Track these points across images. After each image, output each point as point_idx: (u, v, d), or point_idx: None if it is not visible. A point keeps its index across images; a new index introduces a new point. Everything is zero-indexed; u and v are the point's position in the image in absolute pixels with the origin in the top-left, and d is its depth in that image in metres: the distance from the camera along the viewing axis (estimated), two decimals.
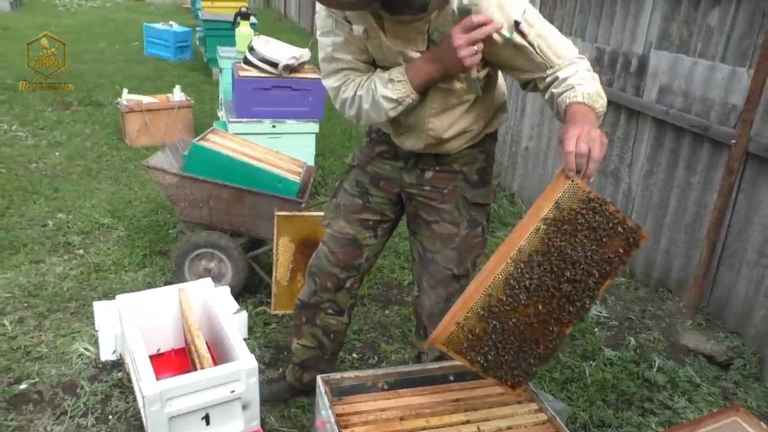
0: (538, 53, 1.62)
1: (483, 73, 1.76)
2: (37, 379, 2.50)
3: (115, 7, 14.62)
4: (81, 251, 3.63)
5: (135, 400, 2.39)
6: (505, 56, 1.66)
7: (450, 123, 1.83)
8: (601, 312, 3.31)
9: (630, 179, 3.64)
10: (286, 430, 2.34)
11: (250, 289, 3.25)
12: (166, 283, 3.20)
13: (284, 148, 3.71)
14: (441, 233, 1.99)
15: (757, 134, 2.84)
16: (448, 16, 1.60)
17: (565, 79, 1.60)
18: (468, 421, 1.68)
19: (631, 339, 3.09)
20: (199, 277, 3.04)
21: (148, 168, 3.07)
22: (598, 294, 1.56)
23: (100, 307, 2.81)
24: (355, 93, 1.78)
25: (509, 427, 1.68)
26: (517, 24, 1.57)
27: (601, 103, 1.58)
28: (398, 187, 2.04)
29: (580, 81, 1.58)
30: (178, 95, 5.67)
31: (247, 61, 4.28)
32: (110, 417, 2.34)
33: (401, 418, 1.67)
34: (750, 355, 2.93)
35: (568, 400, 2.61)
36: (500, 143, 5.07)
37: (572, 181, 1.45)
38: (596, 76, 1.64)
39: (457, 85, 1.74)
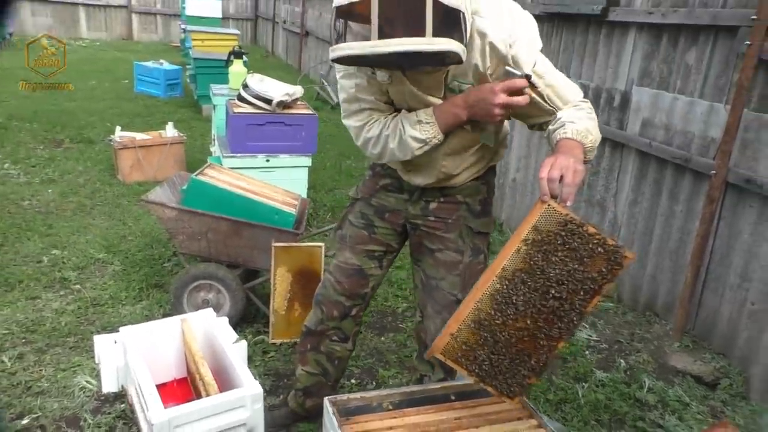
0: (547, 102, 1.73)
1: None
2: (40, 414, 2.51)
3: (104, 46, 14.76)
4: (77, 286, 3.65)
5: (139, 430, 2.42)
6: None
7: (462, 162, 1.95)
8: (591, 336, 3.40)
9: (616, 208, 3.77)
10: None
11: (247, 319, 3.30)
12: (164, 316, 3.24)
13: (278, 182, 3.80)
14: (445, 261, 2.07)
15: (736, 165, 2.99)
16: (468, 67, 1.70)
17: (561, 119, 1.71)
18: None
19: (621, 361, 3.17)
20: (198, 308, 3.09)
21: (147, 203, 3.14)
22: (586, 311, 1.64)
23: (100, 341, 2.84)
24: (381, 132, 1.86)
25: None
26: (528, 77, 1.65)
27: (590, 139, 1.66)
28: (403, 218, 2.13)
29: (574, 119, 1.68)
30: (170, 131, 5.76)
31: (241, 98, 4.40)
32: None
33: None
34: (736, 374, 3.02)
35: (563, 421, 2.67)
36: None
37: (548, 205, 1.55)
38: (594, 117, 1.74)
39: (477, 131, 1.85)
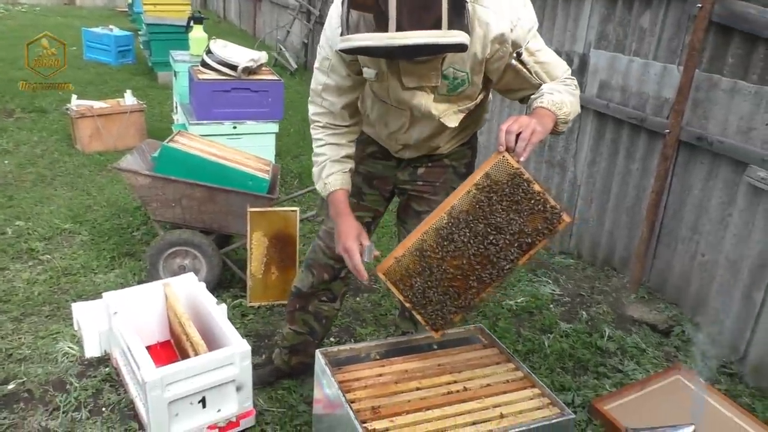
0: (533, 77, 1.78)
1: (480, 97, 1.94)
2: (25, 379, 2.53)
3: (45, 12, 14.12)
4: (46, 257, 3.62)
5: (126, 392, 2.47)
6: (507, 80, 1.83)
7: (449, 138, 2.05)
8: (555, 290, 3.59)
9: (575, 168, 3.94)
10: (275, 410, 2.47)
11: (223, 284, 3.35)
12: (139, 283, 3.26)
13: (245, 149, 3.80)
14: None
15: (688, 124, 3.17)
16: (467, 56, 1.73)
17: (542, 90, 1.76)
18: (455, 381, 1.87)
19: (583, 313, 3.37)
20: (174, 274, 3.12)
21: (119, 170, 3.13)
22: (519, 263, 1.75)
23: (79, 308, 2.85)
24: (316, 145, 2.03)
25: (490, 384, 1.88)
26: (518, 54, 1.72)
27: (564, 111, 1.70)
28: (391, 184, 2.21)
29: (553, 91, 1.73)
30: (129, 99, 5.65)
31: (204, 64, 4.35)
32: (103, 409, 2.41)
33: (396, 382, 1.84)
34: (687, 322, 3.25)
35: (531, 369, 2.84)
36: None
37: (503, 156, 1.66)
38: (576, 93, 1.80)
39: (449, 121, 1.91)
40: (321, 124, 2.00)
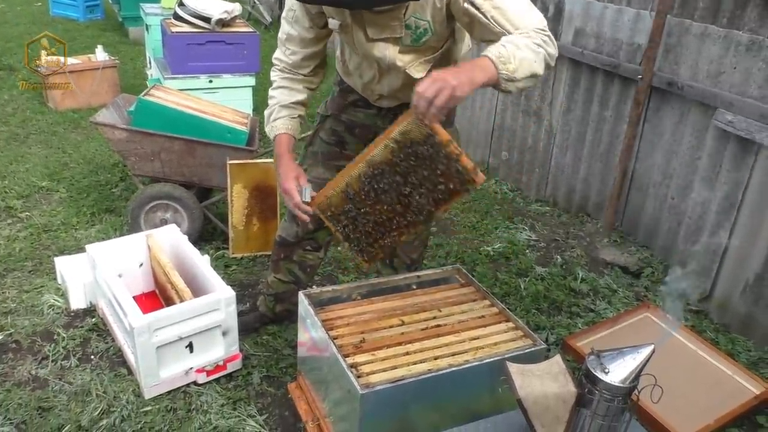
0: (493, 23, 1.64)
1: (445, 47, 1.93)
2: (12, 330, 2.57)
3: None
4: (25, 214, 3.61)
5: (114, 340, 2.53)
6: (475, 30, 1.73)
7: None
8: (530, 236, 3.68)
9: (551, 117, 3.99)
10: (261, 354, 2.55)
11: (204, 237, 3.38)
12: (121, 236, 3.27)
13: (222, 103, 3.79)
14: None
15: (660, 69, 3.22)
16: (426, 3, 1.71)
17: (501, 40, 1.62)
18: (434, 317, 1.96)
19: (558, 257, 3.48)
20: (155, 228, 3.14)
21: (96, 124, 3.11)
22: (436, 214, 1.78)
23: (62, 262, 2.88)
24: (272, 83, 2.09)
25: (466, 320, 1.97)
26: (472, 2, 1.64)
27: (509, 67, 1.55)
28: (373, 132, 2.20)
29: (507, 43, 1.58)
30: (101, 55, 5.53)
31: (177, 17, 4.28)
32: (92, 357, 2.47)
33: (377, 319, 1.92)
34: (657, 263, 3.38)
35: (508, 309, 2.95)
36: None
37: (415, 117, 1.61)
38: (539, 50, 1.60)
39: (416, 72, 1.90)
40: (279, 68, 2.06)
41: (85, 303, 2.73)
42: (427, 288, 2.13)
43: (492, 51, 1.56)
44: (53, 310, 2.71)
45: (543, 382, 1.35)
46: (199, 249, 3.16)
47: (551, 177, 4.08)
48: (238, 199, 3.18)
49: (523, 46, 1.58)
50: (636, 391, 1.35)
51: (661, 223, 3.39)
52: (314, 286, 3.00)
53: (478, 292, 2.12)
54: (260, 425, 2.19)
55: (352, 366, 1.70)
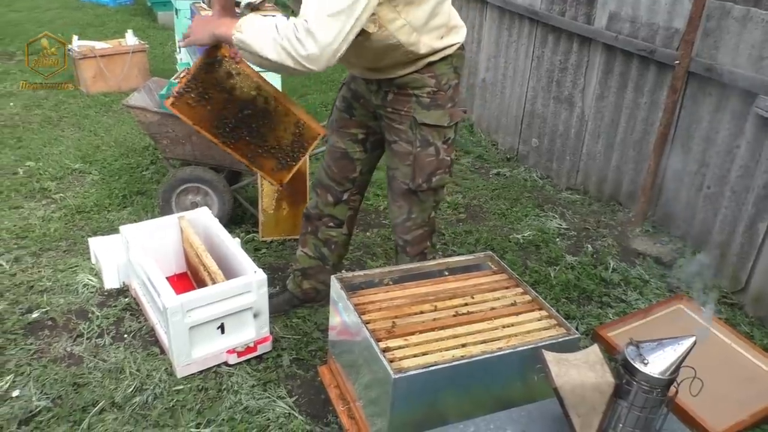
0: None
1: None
2: (48, 308, 2.63)
3: None
4: (59, 195, 3.67)
5: (146, 320, 2.57)
6: None
7: (391, 64, 2.02)
8: (561, 225, 3.64)
9: (583, 103, 3.93)
10: (291, 337, 2.56)
11: (235, 220, 3.41)
12: (153, 218, 3.31)
13: None
14: (398, 151, 2.16)
15: (698, 55, 3.14)
16: None
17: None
18: (466, 304, 1.94)
19: (589, 246, 3.43)
20: (186, 210, 3.17)
21: (128, 107, 3.14)
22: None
23: (96, 242, 2.93)
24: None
25: (499, 307, 1.95)
26: None
27: (242, 37, 1.75)
28: (372, 106, 2.22)
29: (262, 21, 1.75)
30: (131, 40, 5.58)
31: (207, 1, 4.28)
32: (125, 336, 2.51)
33: (409, 304, 1.92)
34: (691, 254, 3.31)
35: None
36: None
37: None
38: (278, 40, 1.68)
39: None
40: None
41: (118, 283, 2.77)
42: (459, 274, 2.12)
43: (244, 19, 1.78)
44: (87, 289, 2.76)
45: (580, 372, 1.34)
46: (229, 232, 3.20)
47: (582, 165, 4.02)
48: (268, 185, 3.19)
49: (266, 30, 1.72)
50: (675, 384, 1.33)
51: (696, 213, 3.32)
52: (343, 271, 3.04)
53: (510, 280, 2.10)
54: (290, 407, 2.20)
55: (385, 350, 1.70)
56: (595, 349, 1.41)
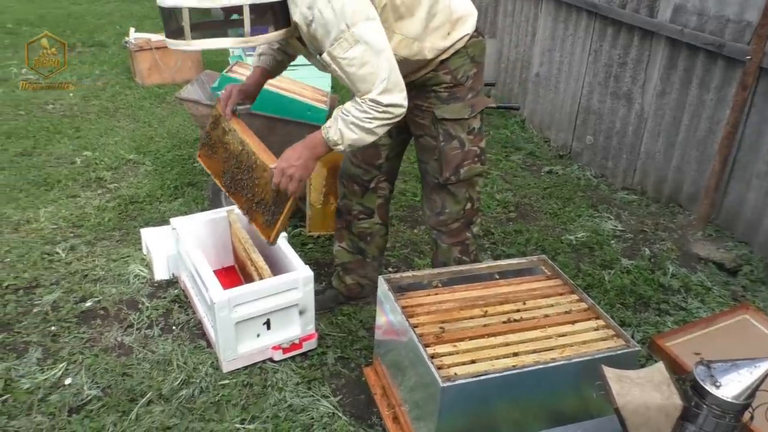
0: (341, 81, 1.85)
1: None
2: (100, 297, 2.68)
3: None
4: (113, 185, 3.75)
5: (194, 313, 2.58)
6: None
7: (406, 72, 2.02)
8: (616, 226, 3.50)
9: (643, 100, 3.76)
10: (336, 335, 2.54)
11: None
12: (203, 211, 3.34)
13: (301, 80, 3.77)
14: (425, 146, 2.19)
15: None
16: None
17: (347, 110, 1.86)
18: (518, 310, 1.87)
19: (646, 249, 3.28)
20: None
21: (181, 100, 3.17)
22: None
23: (147, 233, 2.96)
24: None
25: (553, 314, 1.86)
26: (320, 53, 1.82)
27: (336, 142, 1.88)
28: None
29: (339, 119, 1.86)
30: None
31: None
32: (174, 327, 2.53)
33: (459, 309, 1.86)
34: (757, 261, 3.13)
35: None
36: (510, 69, 5.14)
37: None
38: (353, 119, 1.83)
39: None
40: None
41: (168, 275, 2.80)
42: (511, 278, 2.04)
43: (325, 129, 1.90)
44: (138, 279, 2.80)
45: (644, 391, 1.25)
46: None
47: (640, 164, 3.86)
48: (316, 178, 3.16)
49: (340, 121, 1.86)
50: (750, 409, 1.23)
51: (764, 217, 3.13)
52: (389, 269, 3.00)
53: (565, 286, 2.01)
54: (333, 406, 2.18)
55: (433, 356, 1.64)
56: (660, 367, 1.32)
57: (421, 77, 2.08)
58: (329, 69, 1.84)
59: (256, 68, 2.30)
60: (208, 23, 1.78)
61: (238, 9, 1.72)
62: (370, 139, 1.87)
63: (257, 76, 2.30)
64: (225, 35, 1.77)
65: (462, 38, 2.06)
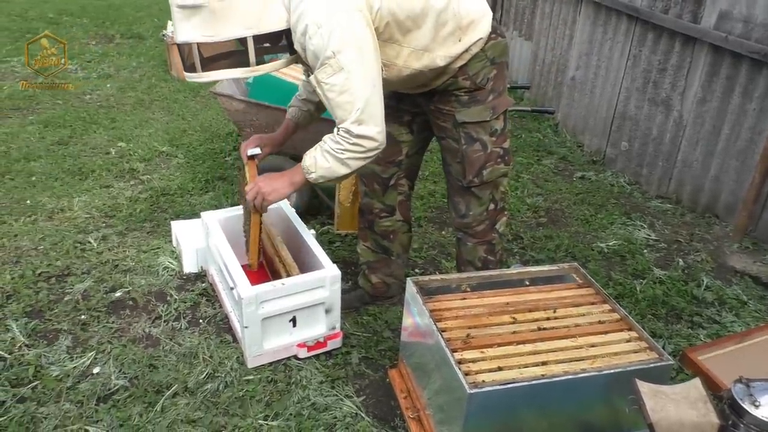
0: (324, 103, 1.91)
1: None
2: (130, 288, 2.71)
3: None
4: (146, 177, 3.80)
5: (221, 307, 2.60)
6: None
7: (399, 86, 2.13)
8: (649, 235, 3.43)
9: (682, 107, 3.67)
10: (361, 334, 2.53)
11: (311, 211, 3.41)
12: (232, 206, 3.36)
13: None
14: (447, 148, 2.21)
15: None
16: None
17: (324, 140, 1.95)
18: (548, 318, 1.83)
19: (680, 260, 3.21)
20: None
21: (215, 95, 3.19)
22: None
23: (177, 226, 2.99)
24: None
25: (584, 324, 1.83)
26: (312, 74, 1.86)
27: (312, 174, 1.97)
28: (418, 102, 2.24)
29: (320, 145, 1.95)
30: None
31: None
32: (201, 321, 2.55)
33: (487, 314, 1.83)
34: None
35: None
36: (545, 72, 5.07)
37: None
38: (331, 149, 1.90)
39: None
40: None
41: (196, 268, 2.83)
42: (541, 285, 2.01)
43: (305, 161, 1.98)
44: (167, 272, 2.82)
45: (678, 408, 1.21)
46: (305, 223, 3.20)
47: (676, 172, 3.77)
48: None
49: (328, 157, 1.92)
50: None
51: None
52: (416, 270, 2.98)
53: (597, 295, 1.97)
54: (357, 407, 2.17)
55: (460, 362, 1.62)
56: (696, 383, 1.28)
57: (441, 84, 2.09)
58: (316, 92, 1.89)
59: (287, 120, 2.43)
60: (217, 56, 1.86)
61: (243, 41, 1.80)
62: (342, 171, 1.92)
63: (286, 128, 2.44)
64: (233, 66, 1.86)
65: (477, 42, 2.04)
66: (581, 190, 3.93)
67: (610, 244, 3.32)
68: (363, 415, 2.14)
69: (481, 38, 2.04)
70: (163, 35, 5.58)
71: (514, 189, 3.85)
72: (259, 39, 1.82)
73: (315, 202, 3.44)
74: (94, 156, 4.04)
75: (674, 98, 3.72)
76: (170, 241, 3.06)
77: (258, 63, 1.85)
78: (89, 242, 3.03)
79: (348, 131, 1.84)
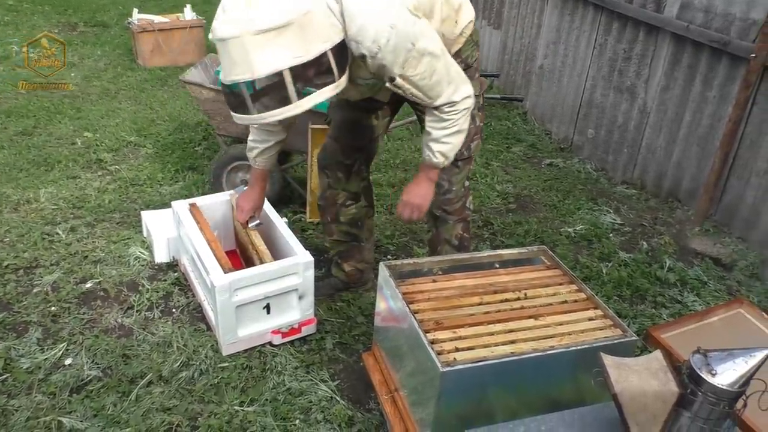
0: (415, 98, 1.89)
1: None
2: (101, 279, 2.69)
3: None
4: (114, 167, 3.75)
5: (194, 296, 2.59)
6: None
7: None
8: (615, 220, 3.52)
9: (646, 95, 3.76)
10: (334, 320, 2.55)
11: (283, 200, 3.41)
12: (203, 194, 3.35)
13: None
14: None
15: None
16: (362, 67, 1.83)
17: (429, 134, 1.96)
18: (517, 299, 1.88)
19: (644, 243, 3.30)
20: (236, 188, 3.18)
21: (185, 83, 3.16)
22: None
23: (148, 216, 2.97)
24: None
25: (552, 303, 1.88)
26: (392, 79, 1.81)
27: (439, 162, 1.99)
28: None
29: (433, 140, 1.96)
30: (189, 14, 5.64)
31: None
32: (174, 310, 2.54)
33: (458, 296, 1.87)
34: (753, 257, 3.15)
35: None
36: (514, 61, 5.14)
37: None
38: (454, 128, 1.92)
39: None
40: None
41: (168, 257, 2.81)
42: (511, 268, 2.06)
43: (425, 159, 2.01)
44: (139, 262, 2.81)
45: (641, 378, 1.27)
46: (277, 212, 3.20)
47: (641, 158, 3.87)
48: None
49: (444, 140, 1.95)
50: (744, 397, 1.25)
51: (762, 214, 3.15)
52: (388, 256, 3.01)
53: (564, 276, 2.03)
54: (332, 390, 2.20)
55: (433, 342, 1.66)
56: (658, 355, 1.34)
57: None
58: (399, 91, 1.85)
59: (255, 171, 2.37)
60: (264, 92, 1.70)
61: (323, 56, 1.64)
62: (462, 138, 1.97)
63: (262, 181, 2.42)
64: (322, 85, 1.67)
65: (468, 24, 2.13)
66: (549, 177, 4.01)
67: (578, 228, 3.40)
68: (338, 398, 2.17)
69: (471, 20, 2.14)
70: (129, 23, 5.49)
71: (484, 176, 3.91)
72: (333, 51, 1.67)
73: (287, 190, 3.44)
74: (59, 146, 3.97)
75: (638, 86, 3.81)
76: (140, 232, 3.03)
77: (299, 98, 1.66)
78: (57, 233, 2.99)
79: (450, 102, 1.88)
